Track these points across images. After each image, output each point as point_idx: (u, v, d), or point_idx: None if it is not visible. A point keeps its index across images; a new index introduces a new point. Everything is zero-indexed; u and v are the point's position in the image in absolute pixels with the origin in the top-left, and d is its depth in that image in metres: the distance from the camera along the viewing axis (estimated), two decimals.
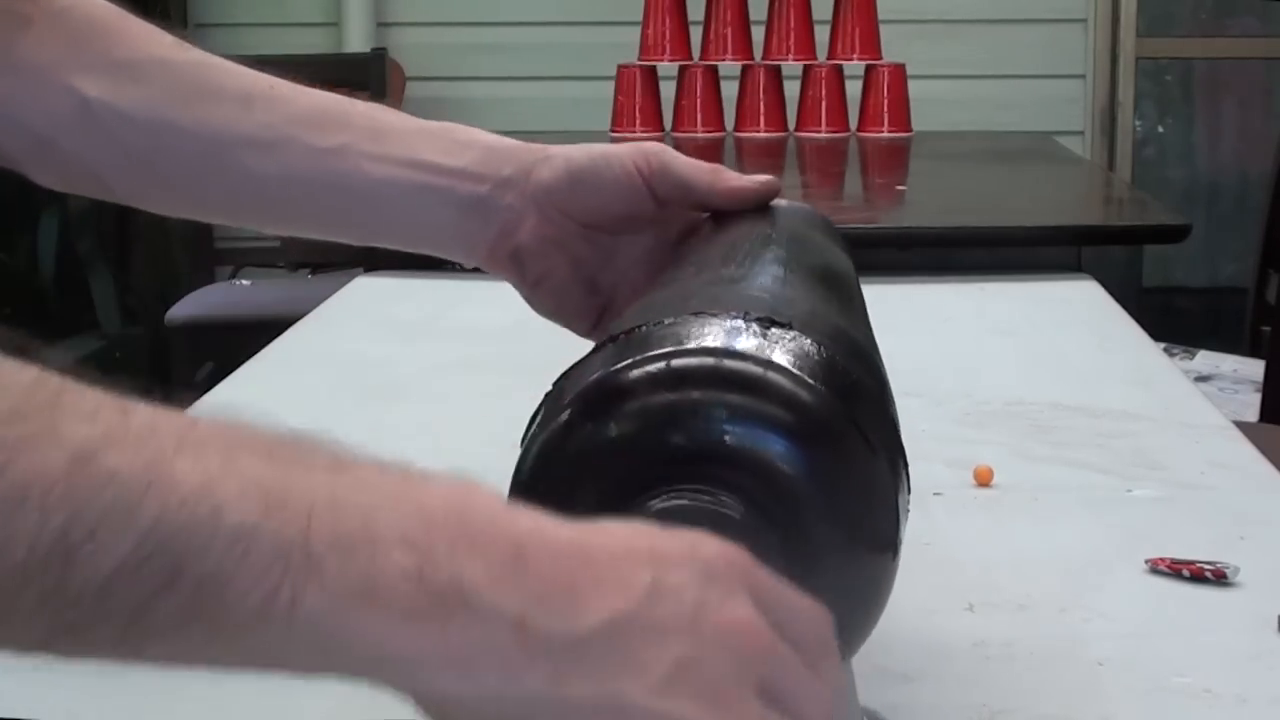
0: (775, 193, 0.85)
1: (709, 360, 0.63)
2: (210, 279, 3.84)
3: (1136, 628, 0.84)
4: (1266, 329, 2.56)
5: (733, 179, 0.85)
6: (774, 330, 0.65)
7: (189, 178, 0.86)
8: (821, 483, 0.62)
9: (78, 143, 0.84)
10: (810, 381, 0.63)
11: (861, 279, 0.84)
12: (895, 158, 3.15)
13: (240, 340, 2.03)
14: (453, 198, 0.83)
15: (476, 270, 0.89)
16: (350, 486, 0.48)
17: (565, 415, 0.63)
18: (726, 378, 0.62)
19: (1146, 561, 0.91)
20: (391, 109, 0.89)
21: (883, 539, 0.64)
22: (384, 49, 4.05)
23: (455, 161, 0.84)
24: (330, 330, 1.68)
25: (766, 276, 0.74)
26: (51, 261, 4.02)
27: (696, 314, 0.66)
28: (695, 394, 0.62)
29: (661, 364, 0.63)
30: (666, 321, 0.66)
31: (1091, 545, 0.96)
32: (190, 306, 3.60)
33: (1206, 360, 2.84)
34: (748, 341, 0.64)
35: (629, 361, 0.63)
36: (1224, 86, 4.94)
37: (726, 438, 0.61)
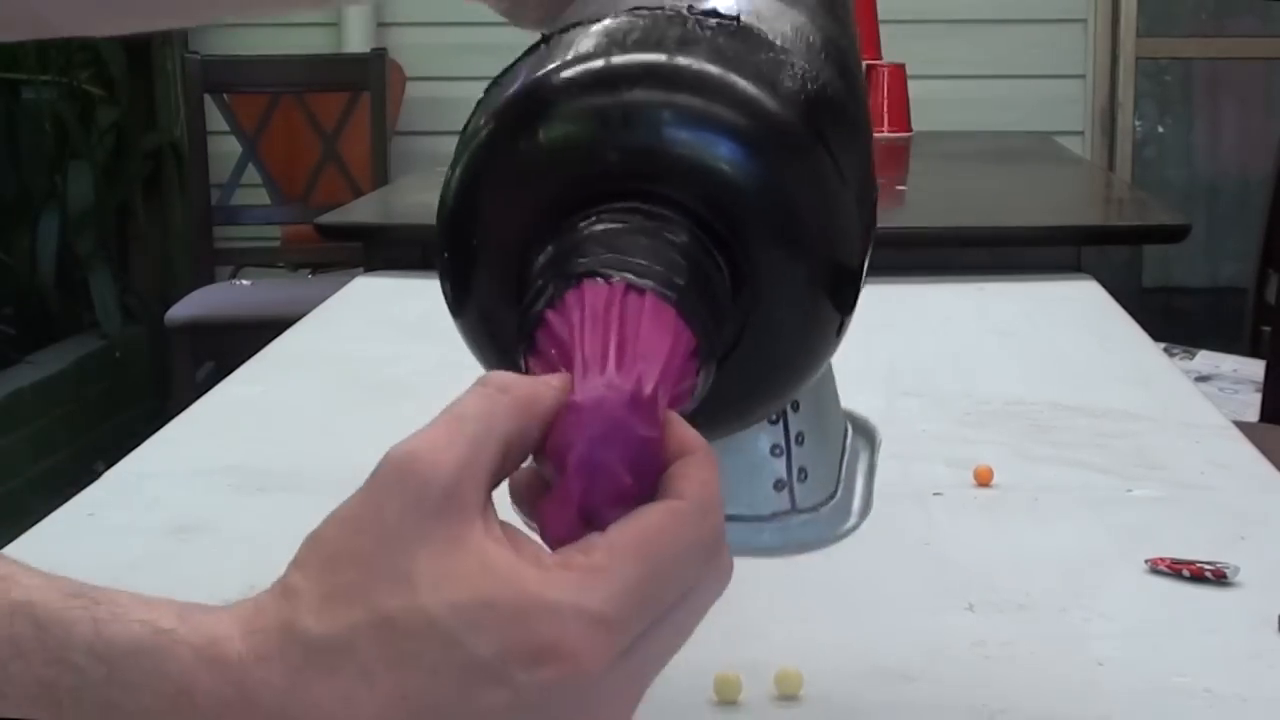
0: None
1: (646, 57, 0.55)
2: (210, 279, 3.83)
3: (1136, 627, 0.84)
4: (1266, 329, 2.56)
5: None
6: (723, 23, 0.57)
7: None
8: (776, 202, 0.54)
9: None
10: (769, 85, 0.54)
11: None
12: (895, 158, 3.14)
13: (240, 340, 2.04)
14: None
15: None
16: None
17: (488, 128, 0.56)
18: (668, 77, 0.54)
19: (1146, 561, 0.91)
20: None
21: (839, 281, 0.57)
22: (384, 49, 4.05)
23: None
24: (330, 330, 1.68)
25: (700, 14, 0.63)
26: (51, 261, 4.02)
27: (633, 10, 0.57)
28: (632, 94, 0.54)
29: (590, 64, 0.55)
30: (602, 19, 0.57)
31: (1091, 545, 0.96)
32: (190, 306, 3.60)
33: (1206, 360, 2.84)
34: (692, 37, 0.56)
35: (555, 65, 0.56)
36: (1224, 86, 4.94)
37: (666, 146, 0.54)
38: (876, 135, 3.28)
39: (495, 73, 0.60)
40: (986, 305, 1.74)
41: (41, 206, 4.03)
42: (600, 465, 0.48)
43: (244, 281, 3.95)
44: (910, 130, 3.31)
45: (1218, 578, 0.88)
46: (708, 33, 0.56)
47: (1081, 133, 4.41)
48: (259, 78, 3.92)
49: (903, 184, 2.87)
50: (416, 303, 1.76)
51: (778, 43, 0.57)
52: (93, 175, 4.06)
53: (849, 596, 0.86)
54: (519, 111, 0.56)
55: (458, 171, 0.57)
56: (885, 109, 3.30)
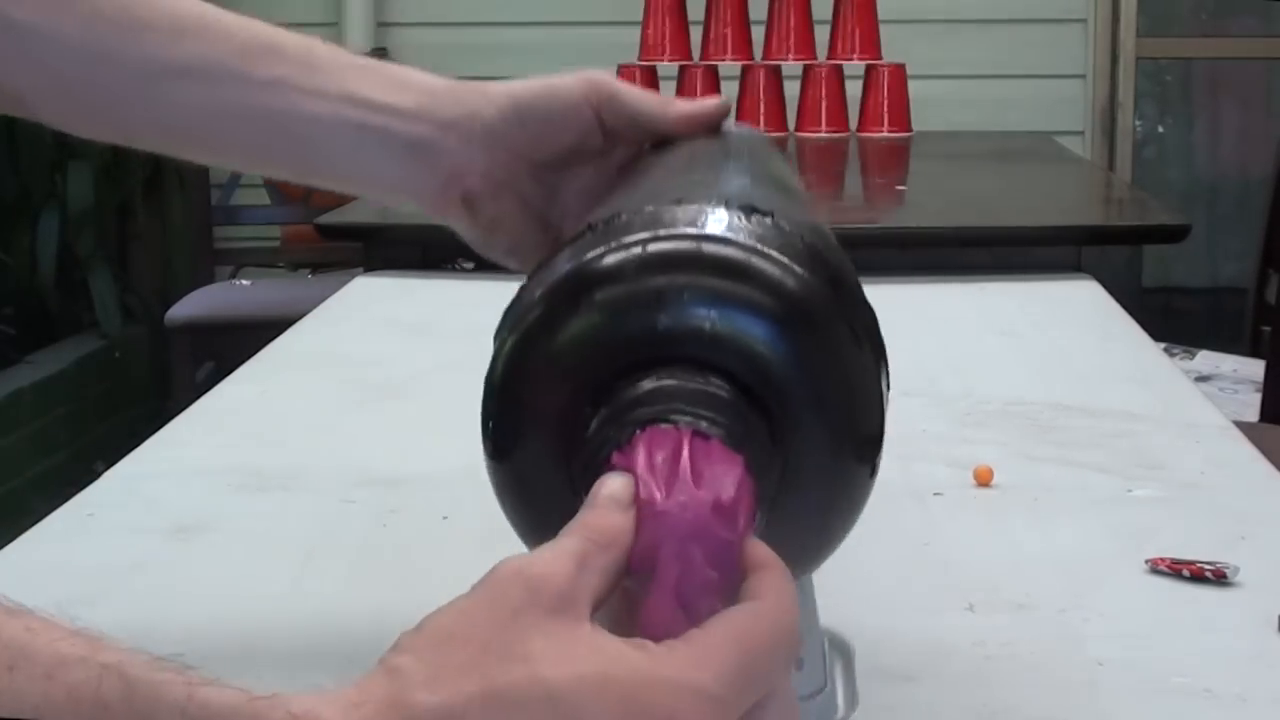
0: (726, 114, 0.82)
1: (693, 245, 0.61)
2: (210, 279, 3.84)
3: (1136, 628, 0.84)
4: (1266, 329, 2.56)
5: (685, 104, 0.82)
6: (756, 216, 0.63)
7: (117, 106, 0.83)
8: (808, 371, 0.60)
9: (0, 65, 0.81)
10: (797, 268, 0.61)
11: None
12: (895, 158, 3.15)
13: (240, 340, 2.04)
14: (393, 139, 0.80)
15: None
16: None
17: (542, 306, 0.61)
18: (712, 262, 0.60)
19: (1146, 561, 0.91)
20: (328, 43, 0.84)
21: (868, 432, 0.62)
22: (384, 49, 4.06)
23: (394, 100, 0.80)
24: (330, 330, 1.68)
25: (735, 177, 0.72)
26: (51, 261, 4.02)
27: (677, 201, 0.64)
28: (680, 279, 0.60)
29: (641, 249, 0.61)
30: (646, 209, 0.63)
31: (1092, 545, 0.96)
32: (190, 306, 3.60)
33: (1206, 360, 2.84)
34: (732, 226, 0.62)
35: (607, 247, 0.61)
36: (1224, 86, 4.94)
37: (711, 324, 0.59)
38: (876, 135, 3.29)
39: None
40: (986, 305, 1.74)
41: (41, 206, 4.02)
42: (690, 558, 0.52)
43: (244, 281, 3.95)
44: (910, 130, 3.32)
45: (1218, 578, 0.88)
46: (742, 223, 0.62)
47: (1081, 133, 4.41)
48: None
49: (903, 184, 2.87)
50: (416, 303, 1.76)
51: (798, 232, 0.64)
52: (93, 175, 4.06)
53: (849, 596, 0.86)
54: (572, 290, 0.61)
55: (509, 345, 0.62)
56: (885, 109, 3.30)
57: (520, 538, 0.62)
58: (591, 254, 0.61)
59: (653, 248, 0.61)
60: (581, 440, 0.58)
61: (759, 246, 0.61)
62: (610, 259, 0.61)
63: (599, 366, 0.59)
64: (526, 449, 0.61)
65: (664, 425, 0.56)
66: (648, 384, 0.58)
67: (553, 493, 0.60)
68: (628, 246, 0.61)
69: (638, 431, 0.56)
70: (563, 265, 0.62)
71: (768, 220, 0.63)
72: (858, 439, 0.62)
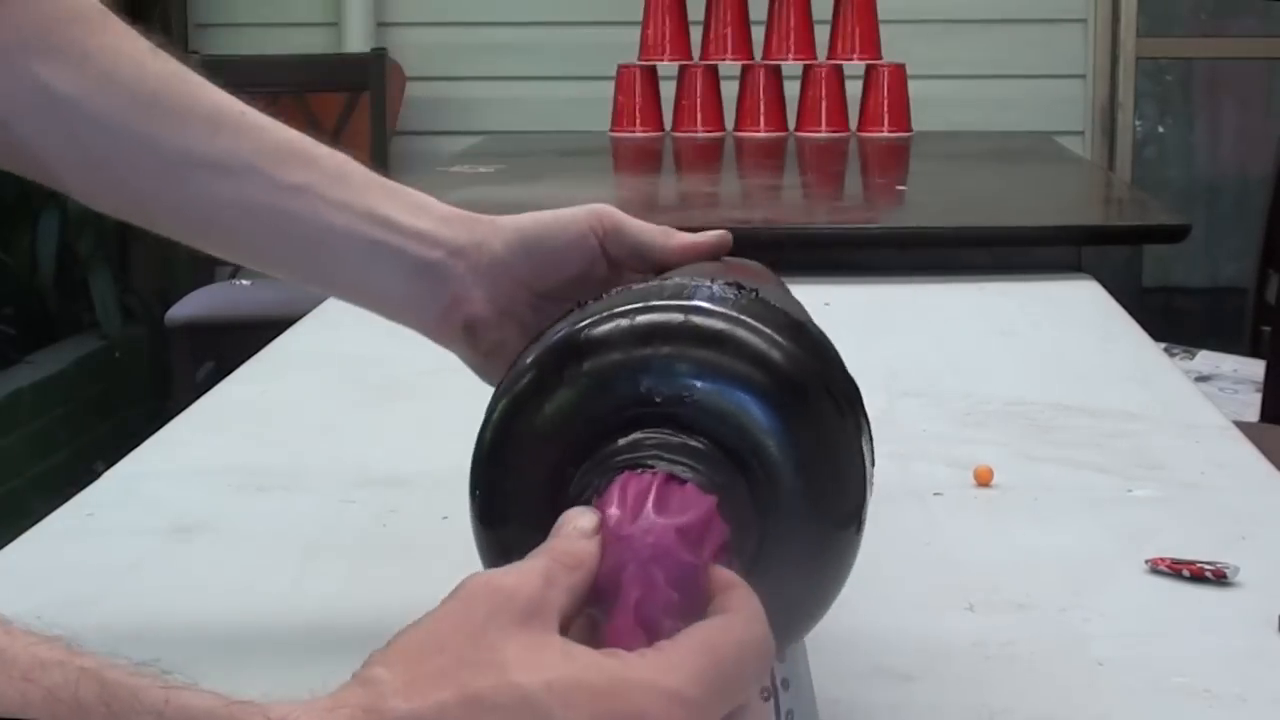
0: (728, 247, 0.84)
1: (679, 315, 0.63)
2: (210, 279, 3.83)
3: (1136, 628, 0.84)
4: (1266, 329, 2.56)
5: (685, 237, 0.84)
6: (741, 291, 0.66)
7: (143, 189, 0.84)
8: (790, 438, 0.61)
9: (31, 130, 0.82)
10: (781, 340, 0.63)
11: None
12: (895, 158, 3.15)
13: (240, 340, 2.04)
14: (405, 259, 0.82)
15: None
16: None
17: (529, 376, 0.63)
18: (697, 332, 0.62)
19: (1147, 561, 0.91)
20: (354, 160, 0.86)
21: (850, 501, 0.64)
22: (384, 49, 4.06)
23: (411, 222, 0.82)
24: (330, 330, 1.67)
25: (725, 272, 0.74)
26: (51, 261, 4.02)
27: (665, 278, 0.67)
28: (665, 349, 0.62)
29: (629, 319, 0.63)
30: (634, 287, 0.66)
31: (1091, 545, 0.96)
32: (190, 306, 3.60)
33: (1206, 360, 2.84)
34: (718, 298, 0.64)
35: (596, 318, 0.63)
36: (1224, 86, 4.95)
37: (695, 391, 0.61)
38: (876, 135, 3.29)
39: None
40: (986, 305, 1.74)
41: (41, 206, 4.03)
42: (652, 579, 0.53)
43: (244, 281, 3.95)
44: (910, 130, 3.31)
45: (1218, 578, 0.88)
46: (728, 295, 0.65)
47: (1081, 133, 4.42)
48: (259, 78, 3.91)
49: (903, 184, 2.87)
50: None
51: (782, 308, 0.66)
52: None
53: (849, 597, 0.86)
54: (561, 358, 0.63)
55: (500, 411, 0.63)
56: (885, 109, 3.30)
57: None
58: (581, 324, 0.63)
59: (641, 318, 0.63)
60: (565, 500, 0.59)
61: (744, 318, 0.63)
62: (599, 328, 0.63)
63: (586, 432, 0.61)
64: (514, 515, 0.63)
65: (640, 470, 0.57)
66: (630, 439, 0.60)
67: None
68: (616, 317, 0.63)
69: (615, 476, 0.57)
70: (552, 336, 0.64)
71: (753, 294, 0.65)
72: (839, 508, 0.63)
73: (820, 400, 0.63)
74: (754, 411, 0.61)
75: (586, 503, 0.57)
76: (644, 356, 0.62)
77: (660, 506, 0.55)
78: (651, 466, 0.57)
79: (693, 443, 0.59)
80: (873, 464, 0.67)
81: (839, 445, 0.63)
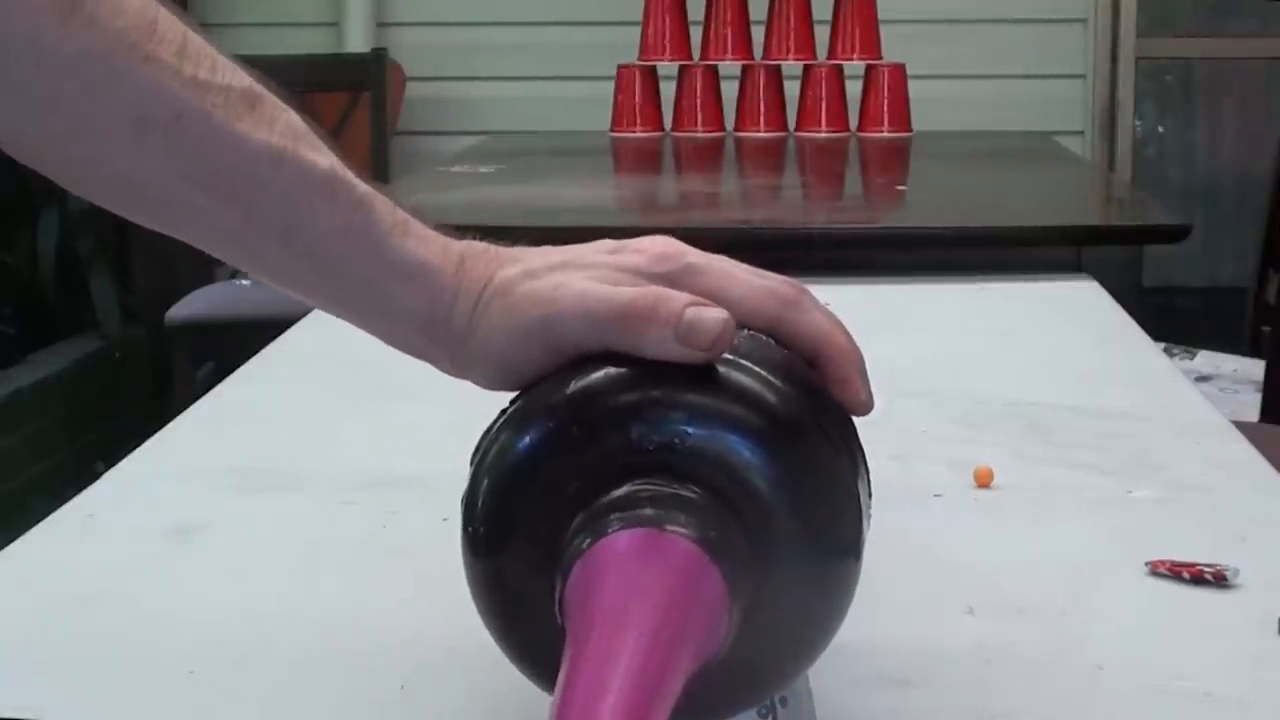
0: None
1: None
2: (210, 279, 3.83)
3: (1136, 630, 0.83)
4: (1266, 329, 2.57)
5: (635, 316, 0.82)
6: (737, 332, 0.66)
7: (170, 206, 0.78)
8: (786, 479, 0.61)
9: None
10: (772, 379, 0.63)
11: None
12: (895, 158, 3.15)
13: (240, 340, 2.04)
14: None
15: None
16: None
17: (516, 422, 0.63)
18: (687, 375, 0.62)
19: (1147, 564, 0.91)
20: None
21: (846, 539, 0.64)
22: (384, 49, 4.05)
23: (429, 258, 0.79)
24: (330, 330, 1.67)
25: None
26: (51, 261, 4.02)
27: None
28: (655, 392, 0.62)
29: (609, 369, 0.63)
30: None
31: (1092, 547, 0.96)
32: (190, 306, 3.60)
33: (1206, 360, 2.84)
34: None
35: (577, 370, 0.63)
36: (1224, 86, 4.94)
37: (687, 438, 0.61)
38: (876, 135, 3.29)
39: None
40: (986, 305, 1.74)
41: (41, 206, 4.02)
42: None
43: (244, 281, 3.94)
44: (910, 130, 3.31)
45: (1218, 580, 0.88)
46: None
47: (1081, 133, 4.42)
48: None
49: (903, 184, 2.87)
50: None
51: (771, 342, 0.67)
52: None
53: None
54: (550, 405, 0.63)
55: (492, 454, 0.63)
56: (885, 109, 3.30)
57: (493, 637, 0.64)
58: (571, 372, 0.63)
59: (611, 370, 0.63)
60: (560, 547, 0.59)
61: (736, 359, 0.63)
62: (589, 376, 0.63)
63: (578, 479, 0.60)
64: (504, 564, 0.63)
65: (625, 530, 0.57)
66: (623, 490, 0.59)
67: (532, 603, 0.61)
68: (605, 364, 0.63)
69: (600, 537, 0.57)
70: (542, 383, 0.64)
71: (744, 332, 0.65)
72: (836, 546, 0.63)
73: (814, 440, 0.63)
74: (747, 454, 0.61)
75: (570, 564, 0.57)
76: (634, 402, 0.62)
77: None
78: (645, 516, 0.58)
79: (685, 493, 0.59)
80: (870, 496, 0.67)
81: (834, 484, 0.63)
